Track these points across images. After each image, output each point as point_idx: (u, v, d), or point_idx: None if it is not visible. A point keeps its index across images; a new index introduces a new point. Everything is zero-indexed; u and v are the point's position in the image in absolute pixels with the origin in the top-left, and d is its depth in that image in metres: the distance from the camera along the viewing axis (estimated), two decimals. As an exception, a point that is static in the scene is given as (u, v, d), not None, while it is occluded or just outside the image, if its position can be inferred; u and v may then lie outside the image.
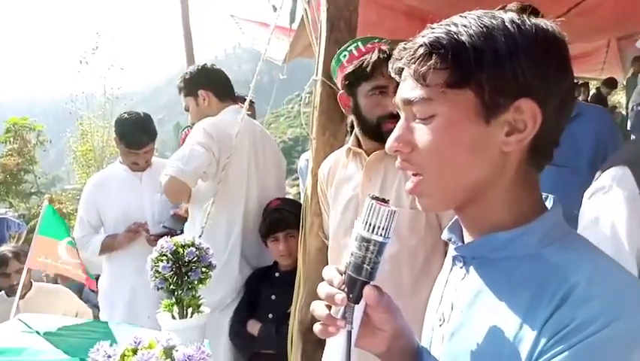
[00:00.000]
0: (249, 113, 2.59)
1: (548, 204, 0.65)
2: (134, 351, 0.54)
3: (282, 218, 1.98)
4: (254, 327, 1.94)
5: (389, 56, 1.32)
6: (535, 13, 0.61)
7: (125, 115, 2.41)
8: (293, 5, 2.12)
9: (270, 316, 1.94)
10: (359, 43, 1.43)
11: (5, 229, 6.15)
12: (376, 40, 1.41)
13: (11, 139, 12.50)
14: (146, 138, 2.36)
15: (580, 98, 5.50)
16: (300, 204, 2.09)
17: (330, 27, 1.67)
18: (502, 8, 0.60)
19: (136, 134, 2.33)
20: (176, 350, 0.55)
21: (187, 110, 2.24)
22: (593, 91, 6.08)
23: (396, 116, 1.36)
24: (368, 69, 1.34)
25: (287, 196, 2.57)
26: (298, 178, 4.35)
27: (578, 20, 2.22)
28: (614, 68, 4.59)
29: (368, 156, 1.41)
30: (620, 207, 0.93)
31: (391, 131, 1.42)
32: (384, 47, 1.36)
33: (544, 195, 0.65)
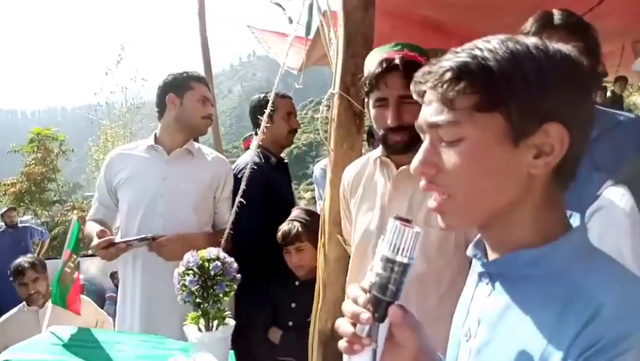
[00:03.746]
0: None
1: (574, 222, 0.64)
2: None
3: (292, 231, 1.98)
4: (275, 335, 1.97)
5: (394, 66, 1.24)
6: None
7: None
8: (309, 18, 2.15)
9: (291, 323, 1.97)
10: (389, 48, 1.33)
11: (29, 237, 6.33)
12: (398, 48, 1.31)
13: (35, 149, 12.82)
14: None
15: (597, 100, 5.41)
16: (314, 212, 2.11)
17: (347, 41, 1.69)
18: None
19: None
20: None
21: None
22: (608, 94, 6.01)
23: (399, 128, 1.35)
24: (373, 81, 1.28)
25: (301, 201, 2.57)
26: (312, 183, 4.36)
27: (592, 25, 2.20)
28: (629, 70, 4.51)
29: (397, 167, 1.36)
30: (622, 226, 0.93)
31: (396, 143, 1.39)
32: (397, 56, 1.26)
33: (568, 212, 0.65)
